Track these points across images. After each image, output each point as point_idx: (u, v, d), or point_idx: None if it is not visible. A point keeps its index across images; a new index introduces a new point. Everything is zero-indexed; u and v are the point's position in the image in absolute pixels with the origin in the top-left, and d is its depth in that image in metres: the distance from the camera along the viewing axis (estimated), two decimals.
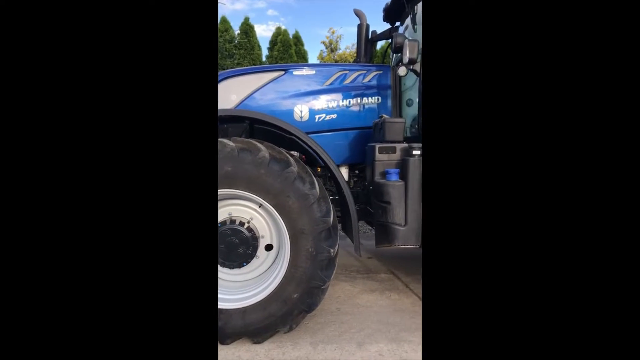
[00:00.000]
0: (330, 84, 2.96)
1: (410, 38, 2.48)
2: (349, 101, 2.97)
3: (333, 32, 9.06)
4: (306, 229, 2.14)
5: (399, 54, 2.78)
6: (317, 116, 2.92)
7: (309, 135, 2.84)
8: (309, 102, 2.92)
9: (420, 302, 2.96)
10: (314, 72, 2.95)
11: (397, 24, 3.67)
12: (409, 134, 2.93)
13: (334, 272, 2.27)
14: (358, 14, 3.57)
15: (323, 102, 2.93)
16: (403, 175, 2.38)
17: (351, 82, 2.99)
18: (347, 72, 3.01)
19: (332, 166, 2.44)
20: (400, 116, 2.98)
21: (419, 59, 2.49)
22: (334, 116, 2.94)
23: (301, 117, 2.90)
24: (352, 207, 2.40)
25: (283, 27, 8.40)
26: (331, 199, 2.67)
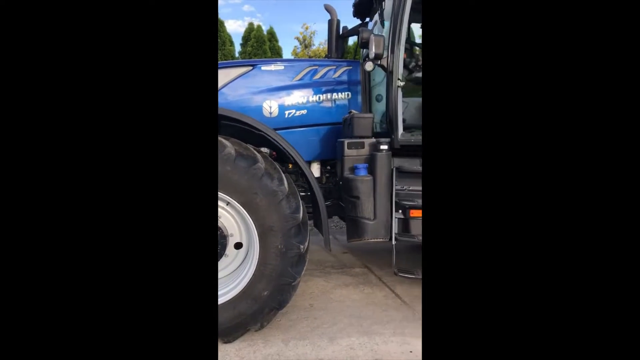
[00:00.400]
0: (300, 79, 2.94)
1: (376, 33, 2.49)
2: (319, 97, 2.96)
3: (307, 28, 9.01)
4: (275, 226, 2.13)
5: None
6: (286, 112, 2.90)
7: (280, 131, 2.81)
8: (278, 98, 2.89)
9: (392, 295, 3.01)
10: (282, 67, 2.92)
11: (368, 19, 3.68)
12: (379, 130, 2.96)
13: (305, 268, 2.27)
14: (329, 9, 3.56)
15: (293, 97, 2.91)
16: (371, 170, 2.39)
17: (321, 77, 2.98)
18: (316, 67, 3.00)
19: (301, 162, 2.43)
20: (370, 111, 2.99)
21: (385, 54, 2.51)
22: (304, 112, 2.93)
23: (270, 113, 2.87)
24: (322, 203, 2.40)
25: (256, 23, 8.27)
26: (303, 195, 2.67)
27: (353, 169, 2.42)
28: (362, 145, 2.46)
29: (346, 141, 2.48)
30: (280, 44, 8.21)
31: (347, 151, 2.46)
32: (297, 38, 9.09)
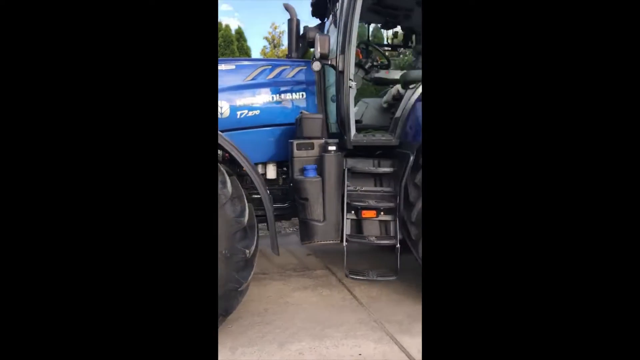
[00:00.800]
0: (252, 79, 2.88)
1: (322, 33, 2.47)
2: (272, 97, 2.90)
3: (275, 28, 8.94)
4: (218, 230, 2.06)
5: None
6: (238, 112, 2.83)
7: (233, 132, 2.75)
8: (229, 98, 2.81)
9: (350, 296, 2.98)
10: (233, 67, 2.86)
11: (327, 19, 3.66)
12: (334, 130, 2.93)
13: (252, 273, 2.21)
14: (288, 8, 3.51)
15: (244, 98, 2.84)
16: (321, 172, 2.36)
17: (274, 77, 2.93)
18: (269, 67, 2.95)
19: (245, 164, 2.37)
20: (326, 112, 2.97)
21: (334, 54, 2.49)
22: (256, 112, 2.87)
23: (221, 114, 2.79)
24: (268, 206, 2.34)
25: (224, 23, 8.12)
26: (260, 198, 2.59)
27: (302, 170, 2.38)
28: (311, 146, 2.43)
29: (295, 142, 2.45)
30: (249, 43, 8.11)
31: (296, 152, 2.42)
32: (266, 38, 9.02)
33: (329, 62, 2.56)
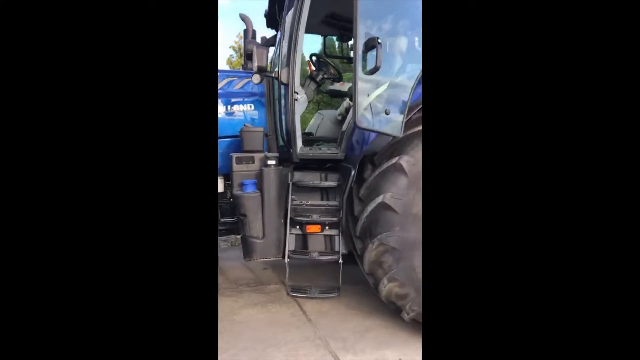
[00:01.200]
0: None
1: (260, 45, 2.43)
2: (222, 108, 2.83)
3: (242, 37, 8.85)
4: None
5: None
6: None
7: None
8: None
9: (300, 312, 2.92)
10: None
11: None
12: (283, 143, 2.89)
13: None
14: (244, 19, 3.46)
15: None
16: (260, 186, 2.30)
17: (221, 88, 2.86)
18: None
19: None
20: (275, 125, 2.92)
21: (276, 67, 2.45)
22: None
23: None
24: None
25: None
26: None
27: (241, 185, 2.31)
28: (252, 160, 2.36)
29: (235, 155, 2.38)
30: (222, 52, 8.00)
31: (235, 166, 2.36)
32: (232, 47, 8.94)
33: (273, 75, 2.52)
